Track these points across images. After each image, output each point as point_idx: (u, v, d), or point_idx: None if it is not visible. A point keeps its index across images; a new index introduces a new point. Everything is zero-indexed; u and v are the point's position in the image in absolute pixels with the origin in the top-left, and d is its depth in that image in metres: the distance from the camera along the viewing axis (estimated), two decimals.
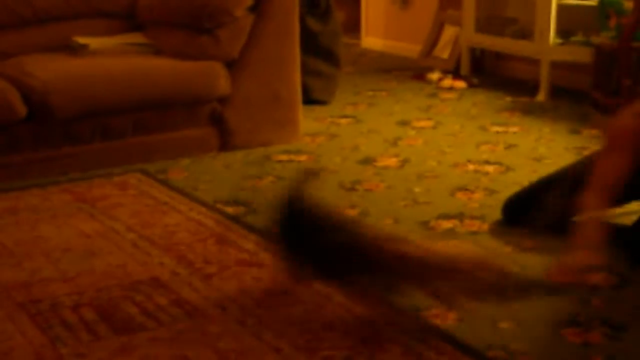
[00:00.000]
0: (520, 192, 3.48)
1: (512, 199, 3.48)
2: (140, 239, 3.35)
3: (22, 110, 4.01)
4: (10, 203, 3.76)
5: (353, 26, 7.97)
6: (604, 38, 5.26)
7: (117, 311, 2.75)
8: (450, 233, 3.37)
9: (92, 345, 2.54)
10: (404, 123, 5.08)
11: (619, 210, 3.25)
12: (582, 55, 5.43)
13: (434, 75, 6.28)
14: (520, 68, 6.31)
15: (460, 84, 6.07)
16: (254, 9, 4.50)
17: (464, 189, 3.85)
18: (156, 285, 2.94)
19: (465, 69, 6.40)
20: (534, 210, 3.35)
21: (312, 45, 5.39)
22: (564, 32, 5.64)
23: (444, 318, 2.67)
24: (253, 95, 4.57)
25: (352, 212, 3.59)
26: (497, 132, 4.85)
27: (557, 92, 5.68)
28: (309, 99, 5.40)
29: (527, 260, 3.10)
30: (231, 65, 4.48)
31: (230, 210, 3.65)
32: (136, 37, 4.71)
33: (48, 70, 4.19)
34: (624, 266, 3.01)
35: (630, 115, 2.99)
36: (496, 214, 3.51)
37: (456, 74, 6.35)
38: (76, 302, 2.82)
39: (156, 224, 3.49)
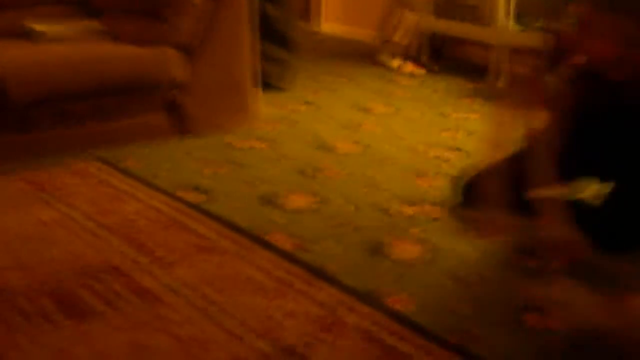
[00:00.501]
0: (477, 174, 3.47)
1: (468, 181, 3.49)
2: (100, 227, 3.32)
3: None
4: None
5: (311, 12, 7.96)
6: (563, 24, 5.28)
7: (76, 300, 2.73)
8: (411, 219, 3.38)
9: (49, 333, 2.52)
10: (364, 109, 5.08)
11: (575, 187, 3.25)
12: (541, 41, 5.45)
13: (394, 62, 6.29)
14: (480, 54, 6.33)
15: (421, 71, 6.08)
16: None
17: (424, 175, 3.86)
18: (116, 274, 2.92)
19: (424, 54, 6.41)
20: (491, 191, 3.37)
21: (269, 31, 5.37)
22: (524, 19, 5.65)
23: (406, 303, 2.67)
24: (211, 82, 4.55)
25: (312, 199, 3.58)
26: (458, 119, 4.86)
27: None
28: (268, 86, 5.38)
29: (487, 245, 3.11)
30: (188, 51, 4.45)
31: (190, 197, 3.63)
32: (91, 24, 4.66)
33: (4, 56, 4.13)
34: (587, 251, 3.02)
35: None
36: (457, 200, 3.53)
37: (416, 59, 6.36)
38: (34, 291, 2.79)
39: (116, 212, 3.46)
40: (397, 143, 4.39)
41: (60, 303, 2.71)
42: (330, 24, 7.90)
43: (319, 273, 2.90)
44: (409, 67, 6.14)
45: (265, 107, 4.88)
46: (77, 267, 2.97)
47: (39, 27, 4.51)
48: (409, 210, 3.46)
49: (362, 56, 6.74)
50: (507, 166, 3.33)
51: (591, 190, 3.21)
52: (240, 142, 4.44)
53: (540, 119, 3.03)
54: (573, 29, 3.28)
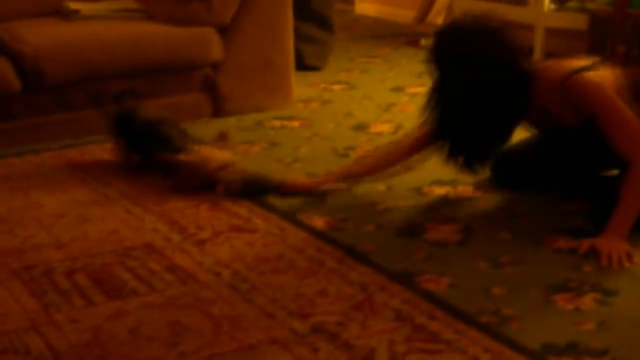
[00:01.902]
0: (510, 151, 3.48)
1: (501, 158, 3.50)
2: (134, 205, 3.35)
3: (16, 84, 4.00)
4: (3, 170, 3.76)
5: None
6: (599, 4, 5.25)
7: (110, 277, 2.76)
8: (444, 199, 3.38)
9: (85, 311, 2.55)
10: (397, 89, 5.08)
11: None
12: (577, 21, 5.41)
13: (428, 42, 6.26)
14: (514, 34, 6.28)
15: None
16: None
17: None
18: (149, 251, 2.95)
19: None
20: (524, 169, 3.40)
21: (305, 11, 5.37)
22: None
23: (437, 283, 2.68)
24: (246, 61, 4.56)
25: None
26: None
27: (552, 58, 5.66)
28: (302, 65, 5.38)
29: (520, 226, 3.11)
30: (224, 31, 4.47)
31: None
32: (127, 3, 4.68)
33: (39, 36, 4.17)
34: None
35: None
36: (489, 180, 3.52)
37: None
38: (69, 268, 2.82)
39: (149, 190, 3.49)
40: None
41: (95, 280, 2.74)
42: (365, 4, 7.88)
43: (350, 252, 2.91)
44: None
45: (298, 86, 4.88)
46: (112, 245, 3.00)
47: (73, 5, 4.54)
48: (441, 190, 3.46)
49: (396, 36, 6.72)
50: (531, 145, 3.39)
51: None
52: (273, 121, 4.46)
53: None
54: None
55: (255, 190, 3.42)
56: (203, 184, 3.43)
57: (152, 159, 3.59)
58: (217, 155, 3.46)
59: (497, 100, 3.08)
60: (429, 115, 3.19)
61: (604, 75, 3.06)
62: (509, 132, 3.22)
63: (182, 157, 3.43)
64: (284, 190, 3.42)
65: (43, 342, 2.38)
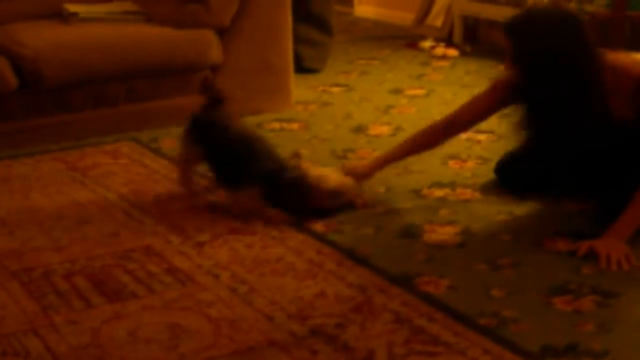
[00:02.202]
0: (513, 154, 3.47)
1: (504, 161, 3.50)
2: (133, 207, 3.35)
3: (13, 81, 4.00)
4: (2, 172, 3.76)
5: None
6: (597, 6, 5.25)
7: (109, 279, 2.76)
8: (443, 201, 3.38)
9: (84, 313, 2.55)
10: (396, 91, 5.08)
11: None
12: None
13: (427, 44, 6.27)
14: None
15: (453, 52, 6.06)
16: None
17: (456, 157, 3.85)
18: (148, 254, 2.95)
19: (458, 37, 6.38)
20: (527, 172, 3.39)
21: (304, 13, 5.37)
22: (558, 1, 5.61)
23: (437, 285, 2.68)
24: (245, 64, 4.56)
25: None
26: None
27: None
28: (301, 67, 5.38)
29: (519, 228, 3.11)
30: (223, 33, 4.47)
31: None
32: (126, 5, 4.69)
33: (39, 38, 4.17)
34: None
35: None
36: (488, 183, 3.53)
37: (449, 42, 6.33)
38: (68, 271, 2.82)
39: (148, 193, 3.49)
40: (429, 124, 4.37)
41: (95, 282, 2.74)
42: (364, 6, 7.88)
43: (349, 254, 2.91)
44: (442, 49, 6.11)
45: (298, 88, 4.88)
46: (111, 247, 3.00)
47: (72, 7, 4.54)
48: (441, 192, 3.46)
49: (395, 38, 6.73)
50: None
51: None
52: (272, 123, 4.46)
53: None
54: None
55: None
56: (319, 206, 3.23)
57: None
58: (336, 178, 3.26)
59: (577, 86, 3.03)
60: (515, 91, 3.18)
61: None
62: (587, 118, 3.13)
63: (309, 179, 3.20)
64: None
65: (42, 344, 2.38)
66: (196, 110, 3.48)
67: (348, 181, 3.28)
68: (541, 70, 3.04)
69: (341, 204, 3.25)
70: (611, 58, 3.08)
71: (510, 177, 3.48)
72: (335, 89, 5.17)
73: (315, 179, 3.18)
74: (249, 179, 3.21)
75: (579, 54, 3.02)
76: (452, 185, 3.52)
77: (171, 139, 4.17)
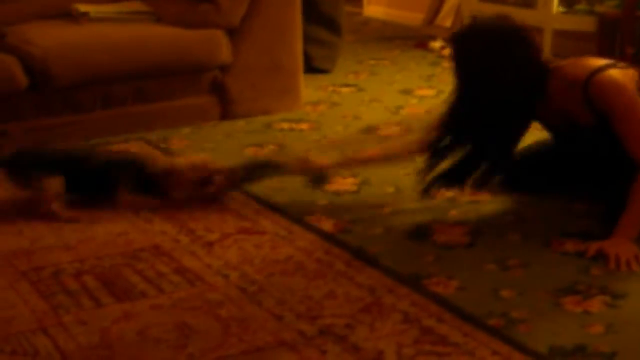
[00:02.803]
0: (520, 155, 3.47)
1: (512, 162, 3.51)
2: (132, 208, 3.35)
3: (23, 80, 4.01)
4: None
5: None
6: (607, 7, 5.24)
7: (118, 279, 2.76)
8: (452, 201, 3.38)
9: (93, 312, 2.55)
10: (406, 92, 5.07)
11: None
12: (585, 23, 5.41)
13: (437, 44, 6.26)
14: None
15: None
16: None
17: None
18: (158, 253, 2.95)
19: None
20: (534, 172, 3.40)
21: (314, 13, 5.37)
22: (568, 1, 5.61)
23: (446, 286, 2.68)
24: (254, 64, 4.56)
25: (353, 180, 3.59)
26: None
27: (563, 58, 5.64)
28: (311, 68, 5.38)
29: (529, 228, 3.10)
30: (232, 33, 4.47)
31: None
32: (136, 5, 4.69)
33: (48, 38, 4.17)
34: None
35: None
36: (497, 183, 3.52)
37: None
38: (78, 270, 2.83)
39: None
40: None
41: (104, 282, 2.74)
42: (373, 6, 7.88)
43: (358, 254, 2.91)
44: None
45: (307, 88, 4.88)
46: (120, 247, 3.01)
47: (82, 7, 4.55)
48: (450, 193, 3.46)
49: (405, 38, 6.72)
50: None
51: None
52: (281, 124, 4.46)
53: None
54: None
55: (258, 173, 3.41)
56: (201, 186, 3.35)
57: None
58: (188, 159, 3.41)
59: (515, 95, 3.07)
60: (448, 116, 3.23)
61: (626, 74, 3.04)
62: (523, 131, 3.23)
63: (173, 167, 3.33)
64: (292, 169, 3.42)
65: (51, 343, 2.39)
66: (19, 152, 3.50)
67: (199, 160, 3.37)
68: (474, 83, 3.14)
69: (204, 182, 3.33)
70: (561, 66, 3.12)
71: (514, 179, 3.47)
72: (345, 89, 5.17)
73: (166, 168, 3.31)
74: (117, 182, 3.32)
75: (516, 67, 3.07)
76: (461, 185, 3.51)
77: (180, 139, 4.18)
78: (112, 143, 4.09)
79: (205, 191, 3.33)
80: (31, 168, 3.32)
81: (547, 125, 3.31)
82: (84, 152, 3.48)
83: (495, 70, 3.06)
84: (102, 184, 3.33)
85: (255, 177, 3.40)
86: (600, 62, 3.08)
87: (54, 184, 3.28)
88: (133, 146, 4.07)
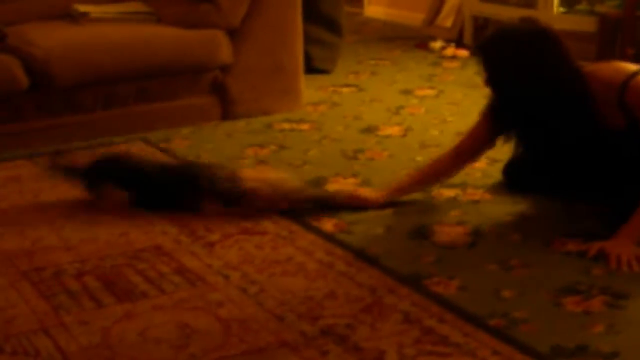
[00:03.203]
0: (519, 157, 3.47)
1: (511, 163, 3.50)
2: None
3: (24, 81, 4.01)
4: (13, 172, 3.77)
5: None
6: (608, 7, 5.24)
7: (119, 279, 2.77)
8: (453, 202, 3.38)
9: (94, 313, 2.55)
10: (406, 92, 5.07)
11: None
12: (586, 24, 5.41)
13: (437, 44, 6.26)
14: None
15: (463, 53, 6.05)
16: None
17: None
18: (159, 254, 2.95)
19: (468, 37, 6.37)
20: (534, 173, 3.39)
21: (314, 14, 5.37)
22: (568, 1, 5.61)
23: (447, 286, 2.68)
24: (255, 64, 4.56)
25: (354, 181, 3.59)
26: None
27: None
28: (311, 68, 5.38)
29: (530, 229, 3.10)
30: (233, 33, 4.47)
31: None
32: (136, 6, 4.69)
33: (49, 38, 4.18)
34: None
35: None
36: (498, 183, 3.52)
37: (459, 42, 6.33)
38: (79, 270, 2.83)
39: None
40: (439, 125, 4.38)
41: (105, 282, 2.74)
42: (373, 7, 7.88)
43: (359, 255, 2.91)
44: (452, 49, 6.11)
45: (308, 89, 4.88)
46: (122, 247, 3.01)
47: (83, 8, 4.55)
48: (450, 193, 3.46)
49: (405, 39, 6.72)
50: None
51: None
52: (282, 124, 4.46)
53: None
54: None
55: (320, 205, 3.32)
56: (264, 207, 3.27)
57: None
58: (268, 174, 3.33)
59: (560, 104, 3.04)
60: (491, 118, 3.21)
61: None
62: (582, 134, 3.13)
63: (243, 184, 3.25)
64: (352, 202, 3.33)
65: (52, 344, 2.39)
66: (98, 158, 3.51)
67: (282, 181, 3.30)
68: (511, 88, 3.09)
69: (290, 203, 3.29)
70: (592, 69, 3.09)
71: (517, 179, 3.48)
72: (346, 90, 5.17)
73: (249, 185, 3.24)
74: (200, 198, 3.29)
75: (550, 68, 3.03)
76: (463, 185, 3.51)
77: (181, 139, 4.18)
78: (114, 143, 4.09)
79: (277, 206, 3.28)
80: (105, 180, 3.37)
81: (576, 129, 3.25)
82: (158, 167, 3.44)
83: (531, 72, 3.02)
84: (175, 200, 3.32)
85: (311, 206, 3.32)
86: (634, 67, 3.06)
87: (116, 196, 3.34)
88: (134, 146, 4.07)
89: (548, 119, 3.06)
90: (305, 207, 3.27)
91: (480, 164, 3.74)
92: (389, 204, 3.32)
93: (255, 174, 3.31)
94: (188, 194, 3.28)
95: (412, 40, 6.61)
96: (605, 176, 3.18)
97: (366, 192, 3.39)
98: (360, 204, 3.31)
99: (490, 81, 3.14)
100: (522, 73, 3.03)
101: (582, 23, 5.45)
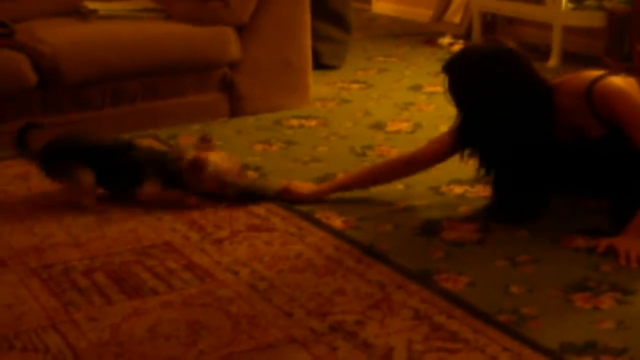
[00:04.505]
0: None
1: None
2: (151, 204, 3.35)
3: (32, 78, 4.01)
4: (22, 169, 3.77)
5: None
6: (616, 3, 5.23)
7: (129, 276, 2.77)
8: (462, 198, 3.38)
9: (104, 309, 2.56)
10: (415, 88, 5.07)
11: None
12: (594, 20, 5.41)
13: (445, 40, 6.26)
14: (532, 33, 6.27)
15: None
16: None
17: None
18: (168, 250, 2.95)
19: (476, 33, 6.37)
20: None
21: (323, 10, 5.37)
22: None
23: (455, 282, 2.68)
24: (263, 61, 4.56)
25: None
26: None
27: (569, 57, 5.64)
28: (319, 64, 5.38)
29: (538, 225, 3.10)
30: (241, 30, 4.47)
31: None
32: (145, 3, 4.70)
33: (58, 35, 4.18)
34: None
35: None
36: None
37: (467, 38, 6.32)
38: (88, 267, 2.83)
39: None
40: (448, 122, 4.35)
41: (114, 279, 2.75)
42: (381, 3, 7.88)
43: (368, 251, 2.91)
44: (460, 45, 6.10)
45: (316, 85, 4.88)
46: (131, 244, 3.01)
47: (91, 5, 4.55)
48: (460, 189, 3.46)
49: (413, 35, 6.72)
50: None
51: None
52: (290, 120, 4.46)
53: None
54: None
55: (252, 196, 3.37)
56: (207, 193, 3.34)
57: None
58: (216, 161, 3.31)
59: (523, 120, 3.03)
60: (457, 134, 3.18)
61: (626, 81, 3.01)
62: (545, 155, 3.12)
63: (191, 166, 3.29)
64: (285, 195, 3.38)
65: (62, 340, 2.39)
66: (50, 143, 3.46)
67: (225, 163, 3.33)
68: (476, 106, 3.07)
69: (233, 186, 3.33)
70: (559, 82, 3.08)
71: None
72: (354, 86, 5.17)
73: (192, 164, 3.27)
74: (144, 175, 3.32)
75: (514, 85, 3.01)
76: (471, 182, 3.51)
77: (189, 136, 4.18)
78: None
79: (222, 192, 3.33)
80: (63, 160, 3.35)
81: (557, 143, 3.23)
82: (115, 145, 3.44)
83: (496, 92, 3.01)
84: (129, 178, 3.33)
85: (250, 199, 3.37)
86: (599, 72, 3.05)
87: (86, 177, 3.32)
88: (143, 143, 4.06)
89: (511, 136, 3.04)
90: (231, 195, 3.33)
91: None
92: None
93: (200, 155, 3.30)
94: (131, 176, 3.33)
95: (421, 36, 6.61)
96: (600, 182, 3.15)
97: (301, 187, 3.42)
98: (293, 198, 3.36)
99: (456, 101, 3.11)
100: (487, 91, 3.02)
101: (591, 19, 5.45)
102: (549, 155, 3.09)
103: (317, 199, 3.36)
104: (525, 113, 3.02)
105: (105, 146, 3.42)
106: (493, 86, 3.01)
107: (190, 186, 3.31)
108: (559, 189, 3.24)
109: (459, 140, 3.17)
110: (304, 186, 3.43)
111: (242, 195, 3.35)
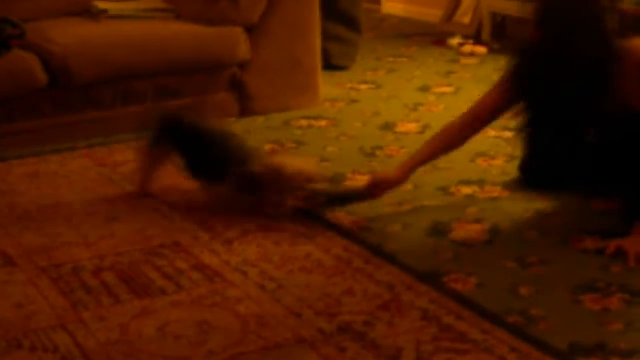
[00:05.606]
0: (534, 151, 3.45)
1: (527, 159, 3.48)
2: (161, 204, 3.36)
3: (42, 78, 4.02)
4: (31, 168, 3.78)
5: None
6: (628, 3, 5.21)
7: (138, 275, 2.77)
8: (471, 199, 3.37)
9: (113, 309, 2.56)
10: (424, 89, 5.07)
11: None
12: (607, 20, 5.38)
13: (455, 41, 6.25)
14: None
15: (482, 50, 6.04)
16: None
17: (484, 155, 3.84)
18: (177, 250, 2.96)
19: (486, 34, 6.36)
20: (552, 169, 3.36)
21: (332, 10, 5.36)
22: None
23: (465, 283, 2.68)
24: (273, 61, 4.57)
25: None
26: None
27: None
28: (329, 65, 5.38)
29: (548, 226, 3.10)
30: (251, 30, 4.47)
31: None
32: (155, 3, 4.70)
33: (68, 35, 4.19)
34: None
35: None
36: (516, 180, 3.51)
37: (477, 39, 6.31)
38: (98, 267, 2.84)
39: (177, 189, 3.50)
40: None
41: (124, 278, 2.75)
42: (391, 3, 7.87)
43: (377, 251, 2.91)
44: (470, 46, 6.09)
45: (326, 85, 4.88)
46: (140, 243, 3.02)
47: (102, 5, 4.56)
48: (468, 190, 3.45)
49: (423, 35, 6.71)
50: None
51: None
52: (300, 121, 4.46)
53: None
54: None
55: (340, 201, 3.27)
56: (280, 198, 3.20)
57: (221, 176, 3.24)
58: (296, 164, 3.20)
59: (591, 59, 2.99)
60: (512, 78, 3.16)
61: None
62: (585, 110, 3.08)
63: (262, 169, 3.17)
64: (376, 191, 3.25)
65: (71, 340, 2.40)
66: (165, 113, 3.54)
67: (306, 166, 3.23)
68: (565, 28, 3.03)
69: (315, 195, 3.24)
70: (630, 45, 3.04)
71: (534, 175, 3.45)
72: (364, 87, 5.16)
73: (273, 172, 3.14)
74: (226, 172, 3.21)
75: (597, 28, 3.02)
76: (480, 183, 3.51)
77: None
78: (131, 140, 4.09)
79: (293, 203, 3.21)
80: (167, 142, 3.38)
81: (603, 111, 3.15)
82: (218, 136, 3.36)
83: (576, 27, 3.00)
84: (214, 173, 3.27)
85: (335, 204, 3.27)
86: None
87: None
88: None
89: (568, 89, 3.00)
90: (318, 204, 3.23)
91: (498, 161, 3.74)
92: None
93: (289, 162, 3.20)
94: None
95: (430, 37, 6.60)
96: (624, 165, 3.13)
97: (386, 176, 3.30)
98: (385, 189, 3.25)
99: (541, 29, 3.09)
100: (572, 15, 3.03)
101: None
102: (592, 119, 3.07)
103: (404, 183, 3.30)
104: (591, 53, 2.99)
105: (207, 134, 3.36)
106: (576, 16, 3.02)
107: (269, 194, 3.18)
108: (586, 167, 3.23)
109: (516, 79, 3.15)
110: (388, 174, 3.32)
111: (335, 200, 3.26)
